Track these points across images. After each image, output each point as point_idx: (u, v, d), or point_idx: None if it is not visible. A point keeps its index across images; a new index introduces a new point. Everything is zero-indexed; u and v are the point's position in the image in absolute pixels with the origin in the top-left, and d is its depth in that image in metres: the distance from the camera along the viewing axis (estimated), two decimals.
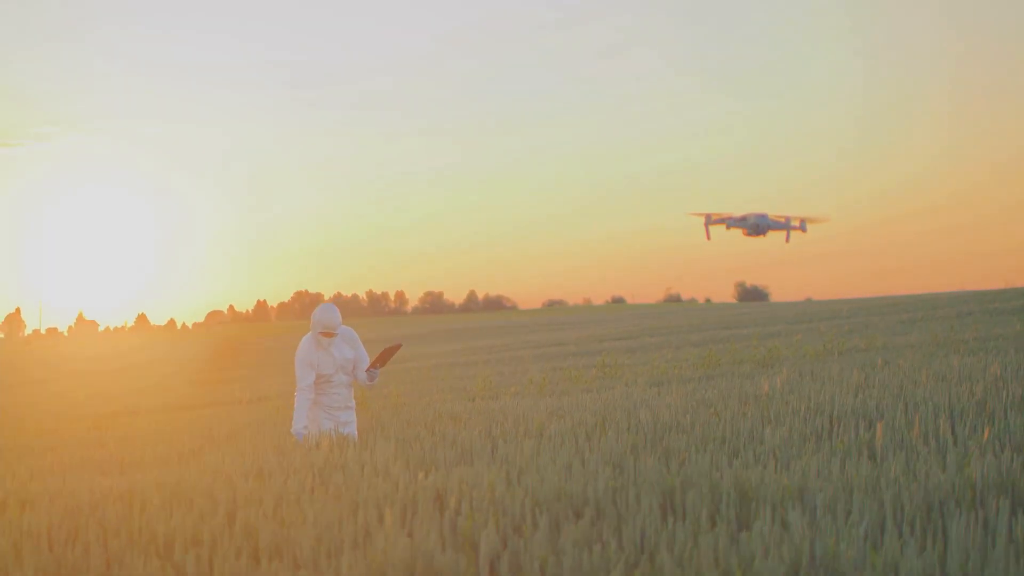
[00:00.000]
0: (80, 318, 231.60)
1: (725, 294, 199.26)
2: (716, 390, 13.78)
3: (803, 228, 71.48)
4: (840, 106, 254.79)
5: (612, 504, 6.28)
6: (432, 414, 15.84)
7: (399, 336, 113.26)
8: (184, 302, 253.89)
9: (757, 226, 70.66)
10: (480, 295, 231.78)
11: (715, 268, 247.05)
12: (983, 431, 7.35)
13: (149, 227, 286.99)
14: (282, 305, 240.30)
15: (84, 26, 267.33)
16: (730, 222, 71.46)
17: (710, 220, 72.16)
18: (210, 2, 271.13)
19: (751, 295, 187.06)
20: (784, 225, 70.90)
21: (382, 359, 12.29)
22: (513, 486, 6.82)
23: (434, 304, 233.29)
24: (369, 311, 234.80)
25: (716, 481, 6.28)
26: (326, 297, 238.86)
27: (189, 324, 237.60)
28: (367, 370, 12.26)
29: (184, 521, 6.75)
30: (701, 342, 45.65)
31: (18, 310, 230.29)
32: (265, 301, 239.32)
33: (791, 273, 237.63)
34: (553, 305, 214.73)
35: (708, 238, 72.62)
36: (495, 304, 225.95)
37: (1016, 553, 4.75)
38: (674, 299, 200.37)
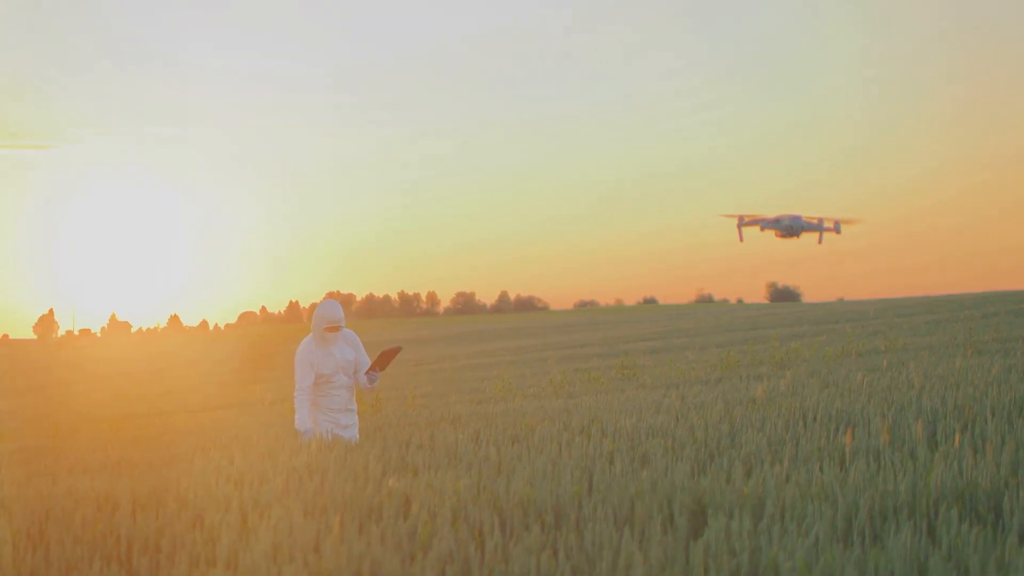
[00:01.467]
0: (113, 319, 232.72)
1: (757, 294, 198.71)
2: (718, 393, 13.69)
3: (837, 229, 71.10)
4: (862, 104, 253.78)
5: (575, 511, 6.22)
6: (436, 416, 15.77)
7: (430, 337, 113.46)
8: (217, 303, 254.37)
9: (791, 228, 70.34)
10: (512, 296, 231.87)
11: (747, 268, 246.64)
12: (959, 436, 7.25)
13: (182, 228, 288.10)
14: (314, 306, 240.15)
15: (118, 30, 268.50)
16: (764, 224, 71.16)
17: (743, 222, 71.88)
18: (242, 8, 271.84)
19: (783, 295, 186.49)
20: (817, 226, 70.56)
21: (382, 361, 12.15)
22: (480, 492, 6.76)
23: (466, 305, 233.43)
24: (401, 312, 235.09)
25: (672, 489, 6.21)
26: (358, 298, 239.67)
27: (222, 325, 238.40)
28: (367, 372, 12.09)
29: (148, 526, 6.71)
30: (726, 343, 45.58)
31: (51, 311, 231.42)
32: (297, 302, 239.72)
33: (823, 273, 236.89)
34: (584, 306, 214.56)
35: (741, 240, 72.36)
36: (527, 305, 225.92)
37: (958, 563, 4.66)
38: (706, 300, 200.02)
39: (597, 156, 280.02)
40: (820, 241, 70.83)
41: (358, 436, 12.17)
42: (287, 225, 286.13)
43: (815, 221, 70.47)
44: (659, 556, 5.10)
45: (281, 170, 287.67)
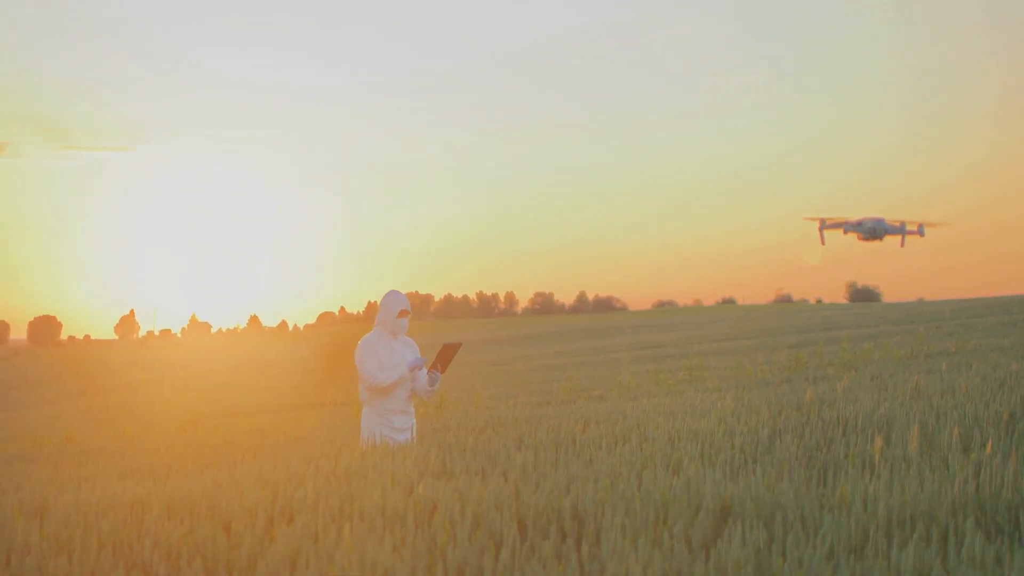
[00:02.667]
0: (193, 320, 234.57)
1: (837, 294, 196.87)
2: (772, 397, 13.55)
3: (921, 232, 70.36)
4: (974, 107, 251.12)
5: (595, 520, 6.16)
6: (495, 419, 15.72)
7: (507, 337, 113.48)
8: (296, 304, 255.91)
9: (874, 230, 69.70)
10: (590, 296, 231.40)
11: (828, 268, 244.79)
12: (997, 443, 7.10)
13: (262, 229, 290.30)
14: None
15: (199, 32, 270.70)
16: (847, 227, 70.59)
17: (824, 225, 71.37)
18: (324, 11, 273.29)
19: (862, 295, 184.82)
20: (900, 229, 69.90)
21: (443, 359, 11.87)
22: (505, 499, 6.71)
23: (544, 305, 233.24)
24: (479, 312, 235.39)
25: (697, 497, 6.13)
26: (436, 298, 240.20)
27: (301, 325, 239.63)
28: (428, 371, 11.87)
29: (171, 532, 6.71)
30: (798, 344, 45.23)
31: (132, 312, 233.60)
32: (376, 302, 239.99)
33: (904, 273, 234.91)
34: (663, 306, 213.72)
35: (823, 243, 71.83)
36: (605, 305, 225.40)
37: None
38: (785, 299, 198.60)
39: (676, 154, 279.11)
40: (903, 244, 70.18)
41: (415, 437, 11.99)
42: (366, 225, 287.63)
43: (897, 224, 69.81)
44: (665, 568, 5.02)
45: (360, 171, 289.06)
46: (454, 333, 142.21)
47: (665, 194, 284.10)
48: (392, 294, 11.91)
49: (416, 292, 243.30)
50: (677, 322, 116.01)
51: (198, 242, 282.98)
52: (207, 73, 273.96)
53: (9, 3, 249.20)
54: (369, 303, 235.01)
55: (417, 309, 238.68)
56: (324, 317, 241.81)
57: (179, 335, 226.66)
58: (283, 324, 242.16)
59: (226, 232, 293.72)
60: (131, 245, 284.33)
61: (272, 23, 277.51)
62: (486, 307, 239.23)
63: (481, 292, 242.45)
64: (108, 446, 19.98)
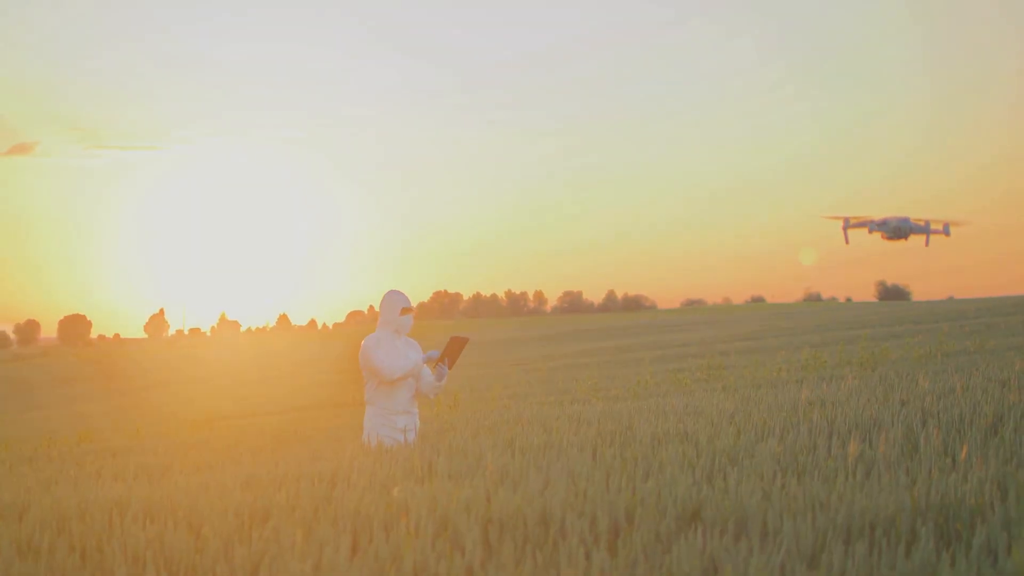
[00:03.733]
0: (223, 319, 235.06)
1: (866, 293, 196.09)
2: (780, 396, 13.47)
3: (946, 232, 69.93)
4: (993, 104, 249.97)
5: (558, 525, 6.10)
6: (503, 419, 15.65)
7: (534, 336, 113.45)
8: (325, 302, 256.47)
9: (899, 229, 69.33)
10: (619, 295, 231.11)
11: (858, 266, 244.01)
12: (974, 447, 7.01)
13: (292, 228, 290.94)
14: (421, 305, 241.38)
15: (228, 31, 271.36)
16: (872, 226, 70.21)
17: (848, 224, 71.01)
18: (355, 9, 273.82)
19: (892, 294, 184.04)
20: (924, 228, 69.52)
21: (451, 352, 11.73)
22: (472, 503, 6.65)
23: (573, 304, 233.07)
24: (508, 311, 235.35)
25: (665, 502, 6.06)
26: (465, 297, 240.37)
27: (330, 324, 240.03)
28: (436, 364, 11.75)
29: (139, 536, 6.68)
30: (821, 343, 45.08)
31: (161, 311, 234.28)
32: None
33: (935, 271, 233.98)
34: (692, 304, 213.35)
35: (847, 242, 71.47)
36: (634, 304, 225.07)
37: None
38: (814, 298, 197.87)
39: (707, 152, 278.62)
40: (927, 244, 69.80)
41: (417, 437, 11.89)
42: (396, 224, 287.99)
43: (922, 223, 69.43)
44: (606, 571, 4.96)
45: (390, 170, 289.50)
46: (482, 332, 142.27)
47: (695, 192, 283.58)
48: (393, 292, 11.84)
49: (445, 291, 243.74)
50: (704, 321, 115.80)
51: (228, 241, 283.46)
52: (236, 72, 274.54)
53: (37, 3, 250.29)
54: None
55: (446, 308, 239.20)
56: (353, 316, 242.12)
57: (208, 334, 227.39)
58: (312, 323, 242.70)
59: (256, 231, 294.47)
60: (161, 244, 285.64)
61: (302, 22, 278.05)
62: (515, 306, 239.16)
63: (510, 291, 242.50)
64: (119, 446, 19.97)
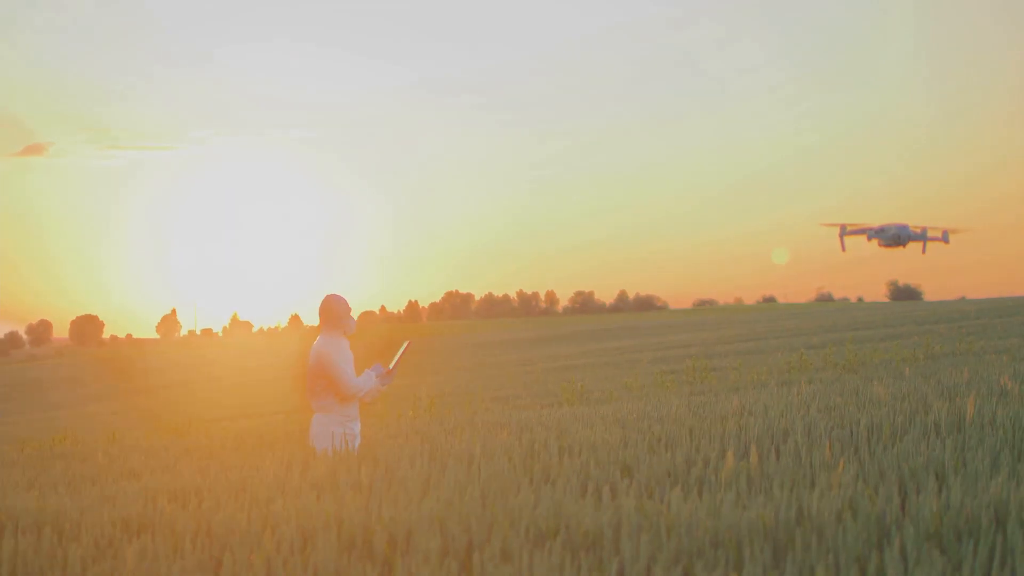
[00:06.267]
0: (234, 319, 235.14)
1: (878, 293, 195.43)
2: (731, 401, 13.32)
3: (945, 239, 69.47)
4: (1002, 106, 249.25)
5: (405, 540, 5.97)
6: (455, 424, 15.51)
7: (540, 336, 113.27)
8: None
9: (897, 236, 68.85)
10: (631, 295, 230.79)
11: (871, 266, 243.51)
12: (851, 463, 6.83)
13: (304, 229, 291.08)
14: (433, 306, 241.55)
15: (243, 32, 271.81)
16: (870, 233, 69.76)
17: (845, 231, 70.57)
18: (369, 10, 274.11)
19: (904, 294, 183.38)
20: (922, 236, 69.09)
21: (402, 359, 11.68)
22: (343, 519, 6.50)
23: (584, 304, 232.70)
24: (520, 311, 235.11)
25: (524, 516, 5.92)
26: (477, 297, 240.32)
27: None
28: (389, 372, 11.61)
29: (28, 549, 6.57)
30: (820, 344, 44.86)
31: (174, 311, 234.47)
32: (416, 302, 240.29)
33: (948, 271, 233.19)
34: (703, 305, 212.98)
35: (843, 249, 71.03)
36: (645, 304, 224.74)
37: None
38: (825, 298, 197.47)
39: (719, 152, 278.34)
40: (924, 251, 69.34)
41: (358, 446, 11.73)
42: (407, 224, 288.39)
43: (919, 230, 68.97)
44: None
45: (401, 170, 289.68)
46: (492, 332, 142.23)
47: (707, 192, 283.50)
48: (337, 296, 11.63)
49: (456, 291, 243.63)
50: (712, 322, 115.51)
51: (240, 241, 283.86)
52: (248, 72, 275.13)
53: (52, 5, 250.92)
54: (409, 302, 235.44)
55: (458, 308, 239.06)
56: (365, 316, 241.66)
57: (220, 334, 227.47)
58: None
59: (267, 231, 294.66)
60: (173, 244, 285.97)
61: (316, 23, 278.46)
62: (527, 306, 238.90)
63: (522, 291, 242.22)
64: (85, 451, 19.85)
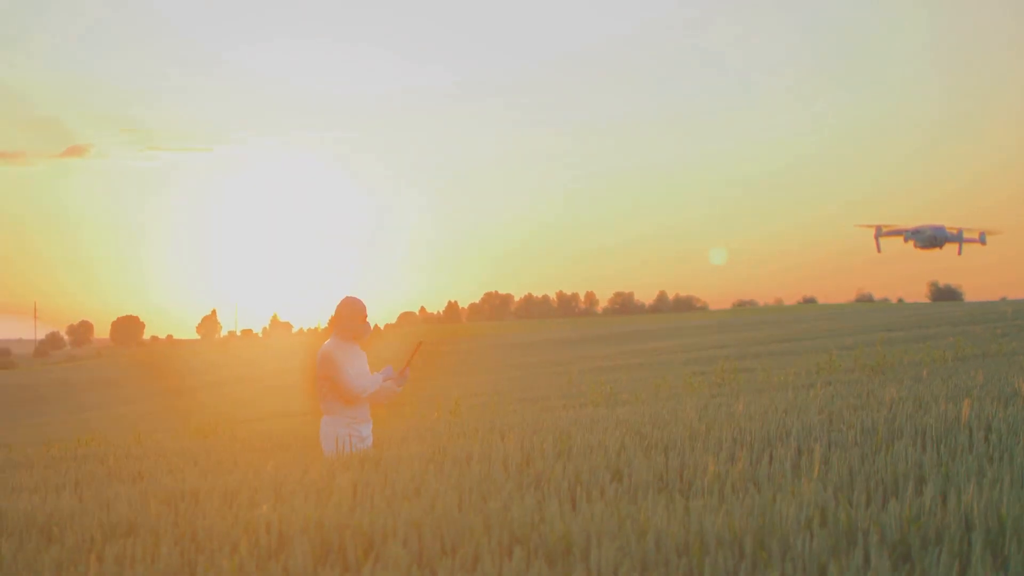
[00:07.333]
0: (275, 320, 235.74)
1: (919, 293, 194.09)
2: (742, 404, 13.25)
3: (982, 240, 68.95)
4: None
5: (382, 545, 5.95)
6: (465, 428, 15.50)
7: (578, 337, 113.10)
8: (377, 303, 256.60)
9: (933, 238, 68.43)
10: (671, 295, 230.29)
11: (911, 267, 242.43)
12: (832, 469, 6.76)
13: (342, 230, 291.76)
14: (472, 306, 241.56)
15: (280, 35, 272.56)
16: (906, 235, 69.35)
17: (880, 232, 70.16)
18: (406, 12, 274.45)
19: (944, 295, 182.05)
20: (958, 237, 68.64)
21: (413, 359, 11.71)
22: (322, 522, 6.49)
23: (624, 305, 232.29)
24: (559, 312, 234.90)
25: (499, 524, 5.90)
26: (516, 298, 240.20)
27: (381, 325, 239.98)
28: (400, 373, 11.65)
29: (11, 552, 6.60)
30: (853, 345, 44.57)
31: (214, 312, 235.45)
32: (456, 302, 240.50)
33: (990, 270, 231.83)
34: (743, 305, 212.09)
35: (879, 250, 70.64)
36: (685, 304, 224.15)
37: None
38: (865, 299, 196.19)
39: (758, 150, 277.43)
40: (960, 252, 68.88)
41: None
42: (447, 225, 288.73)
43: (955, 232, 68.50)
44: None
45: (440, 171, 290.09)
46: (530, 333, 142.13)
47: (748, 191, 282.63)
48: (355, 299, 11.67)
49: (496, 292, 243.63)
50: (751, 322, 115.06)
51: (280, 242, 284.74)
52: (288, 74, 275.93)
53: (93, 7, 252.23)
54: (449, 303, 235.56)
55: (497, 309, 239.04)
56: (405, 317, 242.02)
57: (260, 335, 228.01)
58: None
59: (308, 232, 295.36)
60: (213, 245, 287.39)
61: (354, 23, 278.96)
62: (566, 307, 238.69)
63: (561, 292, 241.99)
64: (107, 452, 19.93)
